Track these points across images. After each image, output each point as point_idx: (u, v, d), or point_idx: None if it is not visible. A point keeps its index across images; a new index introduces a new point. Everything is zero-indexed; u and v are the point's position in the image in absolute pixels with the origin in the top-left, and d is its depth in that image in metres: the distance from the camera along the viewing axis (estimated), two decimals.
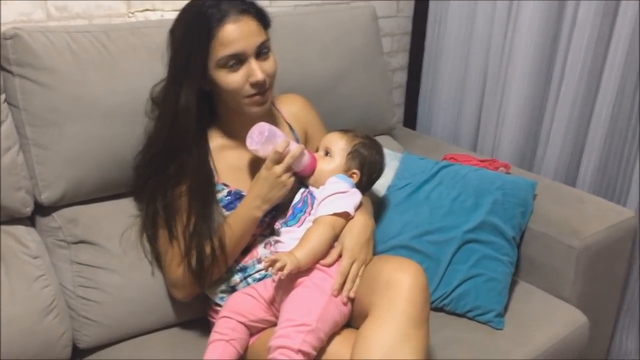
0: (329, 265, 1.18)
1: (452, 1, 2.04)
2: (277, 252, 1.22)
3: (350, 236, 1.21)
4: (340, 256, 1.20)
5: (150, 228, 1.30)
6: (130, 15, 1.56)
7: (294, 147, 1.23)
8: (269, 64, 1.24)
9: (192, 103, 1.21)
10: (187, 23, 1.21)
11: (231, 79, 1.20)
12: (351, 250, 1.19)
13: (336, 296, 1.15)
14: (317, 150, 1.34)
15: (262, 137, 1.21)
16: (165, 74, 1.30)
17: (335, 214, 1.21)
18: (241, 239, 1.25)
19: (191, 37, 1.19)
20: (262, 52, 1.23)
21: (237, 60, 1.20)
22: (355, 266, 1.18)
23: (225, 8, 1.18)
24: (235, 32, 1.18)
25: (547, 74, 1.87)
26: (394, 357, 1.01)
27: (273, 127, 1.23)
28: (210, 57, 1.19)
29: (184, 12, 1.23)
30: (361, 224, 1.24)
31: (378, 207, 1.51)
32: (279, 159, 1.21)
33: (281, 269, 1.11)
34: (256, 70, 1.20)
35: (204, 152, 1.27)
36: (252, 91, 1.23)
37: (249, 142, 1.22)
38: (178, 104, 1.20)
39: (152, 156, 1.27)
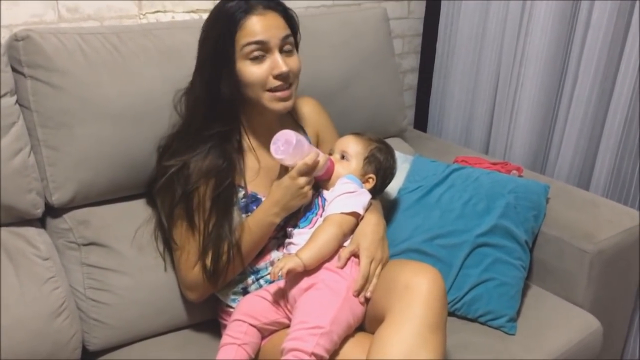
0: (342, 267, 1.18)
1: (464, 2, 2.03)
2: (289, 253, 1.22)
3: (365, 236, 1.21)
4: (350, 258, 1.19)
5: (168, 218, 1.28)
6: (142, 16, 1.56)
7: (321, 159, 1.23)
8: (292, 61, 1.24)
9: (236, 90, 1.22)
10: (215, 17, 1.23)
11: (255, 70, 1.21)
12: (368, 249, 1.19)
13: (357, 297, 1.15)
14: (330, 153, 1.34)
15: (289, 147, 1.18)
16: (176, 75, 1.31)
17: (343, 213, 1.21)
18: (258, 243, 1.25)
19: (219, 29, 1.20)
20: (286, 47, 1.23)
21: (261, 51, 1.20)
22: (373, 265, 1.18)
23: (252, 3, 1.20)
24: (260, 23, 1.19)
25: (560, 75, 1.85)
26: None
27: (300, 136, 1.21)
28: (236, 48, 1.20)
29: (213, 10, 1.25)
30: (374, 223, 1.24)
31: (389, 209, 1.50)
32: (306, 170, 1.20)
33: (288, 271, 1.12)
34: (279, 61, 1.21)
35: (234, 148, 1.27)
36: (276, 84, 1.22)
37: (273, 149, 1.20)
38: (219, 94, 1.22)
39: (179, 148, 1.26)
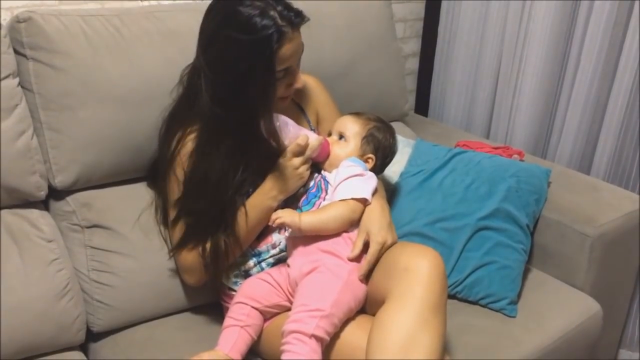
0: (355, 259, 1.17)
1: None
2: (291, 237, 1.23)
3: (373, 222, 1.21)
4: (364, 246, 1.19)
5: (162, 211, 1.30)
6: None
7: (313, 139, 1.23)
8: (299, 66, 1.25)
9: (272, 127, 1.19)
10: (243, 40, 1.13)
11: (276, 87, 1.19)
12: (378, 234, 1.19)
13: (361, 279, 1.16)
14: (329, 134, 1.33)
15: None
16: (179, 58, 1.30)
17: (354, 199, 1.21)
18: (254, 228, 1.25)
19: (252, 55, 1.13)
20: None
21: (284, 72, 1.19)
22: (382, 250, 1.18)
23: (284, 30, 1.13)
24: (290, 51, 1.17)
25: (562, 59, 1.85)
26: (413, 342, 1.02)
27: (284, 117, 1.22)
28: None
29: (234, 19, 1.14)
30: (380, 208, 1.24)
31: (391, 193, 1.51)
32: (299, 151, 1.21)
33: (281, 223, 1.15)
34: (299, 79, 1.23)
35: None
36: (287, 94, 1.25)
37: None
38: (259, 129, 1.17)
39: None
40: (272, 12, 1.13)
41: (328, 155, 1.28)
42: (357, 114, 1.34)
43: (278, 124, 1.19)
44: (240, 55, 1.14)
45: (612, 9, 1.68)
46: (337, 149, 1.29)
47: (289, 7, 1.16)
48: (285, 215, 1.16)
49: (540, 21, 1.80)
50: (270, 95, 1.18)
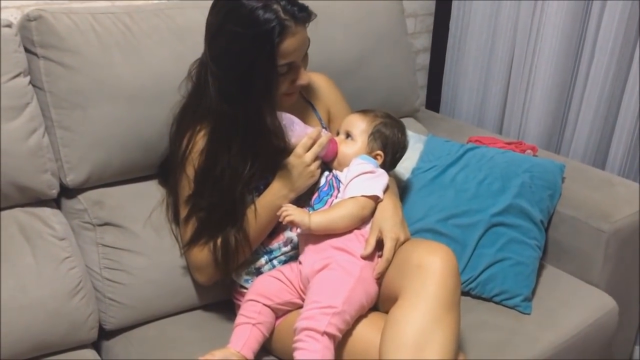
0: (368, 257, 1.17)
1: None
2: (303, 234, 1.22)
3: (386, 220, 1.20)
4: (377, 243, 1.18)
5: (173, 209, 1.30)
6: None
7: (322, 135, 1.22)
8: (306, 64, 1.25)
9: (276, 122, 1.19)
10: (243, 26, 1.13)
11: (279, 82, 1.19)
12: (391, 231, 1.18)
13: (377, 278, 1.16)
14: (337, 133, 1.33)
15: None
16: (188, 55, 1.30)
17: (365, 196, 1.20)
18: (265, 227, 1.25)
19: (253, 49, 1.13)
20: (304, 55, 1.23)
21: (288, 66, 1.19)
22: (396, 246, 1.18)
23: (286, 24, 1.13)
24: (293, 46, 1.16)
25: (576, 53, 1.83)
26: (427, 340, 1.01)
27: (289, 116, 1.22)
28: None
29: (236, 13, 1.14)
30: (392, 205, 1.23)
31: (403, 190, 1.50)
32: (311, 144, 1.20)
33: (291, 222, 1.15)
34: (303, 75, 1.22)
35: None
36: (292, 90, 1.23)
37: None
38: (264, 124, 1.17)
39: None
40: (275, 6, 1.13)
41: (336, 155, 1.28)
42: (364, 111, 1.33)
43: (284, 122, 1.19)
44: (242, 49, 1.14)
45: (626, 2, 1.66)
46: (345, 147, 1.28)
47: (293, 2, 1.16)
48: (295, 214, 1.15)
49: (554, 14, 1.79)
50: (273, 90, 1.17)
